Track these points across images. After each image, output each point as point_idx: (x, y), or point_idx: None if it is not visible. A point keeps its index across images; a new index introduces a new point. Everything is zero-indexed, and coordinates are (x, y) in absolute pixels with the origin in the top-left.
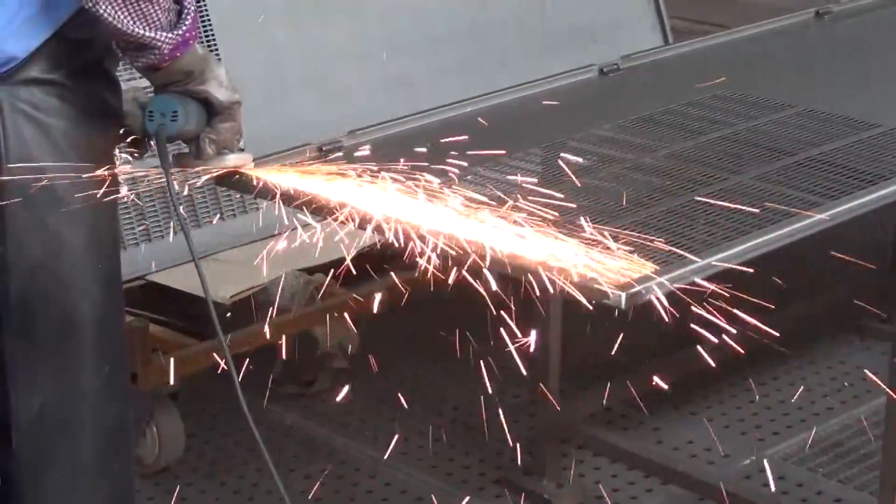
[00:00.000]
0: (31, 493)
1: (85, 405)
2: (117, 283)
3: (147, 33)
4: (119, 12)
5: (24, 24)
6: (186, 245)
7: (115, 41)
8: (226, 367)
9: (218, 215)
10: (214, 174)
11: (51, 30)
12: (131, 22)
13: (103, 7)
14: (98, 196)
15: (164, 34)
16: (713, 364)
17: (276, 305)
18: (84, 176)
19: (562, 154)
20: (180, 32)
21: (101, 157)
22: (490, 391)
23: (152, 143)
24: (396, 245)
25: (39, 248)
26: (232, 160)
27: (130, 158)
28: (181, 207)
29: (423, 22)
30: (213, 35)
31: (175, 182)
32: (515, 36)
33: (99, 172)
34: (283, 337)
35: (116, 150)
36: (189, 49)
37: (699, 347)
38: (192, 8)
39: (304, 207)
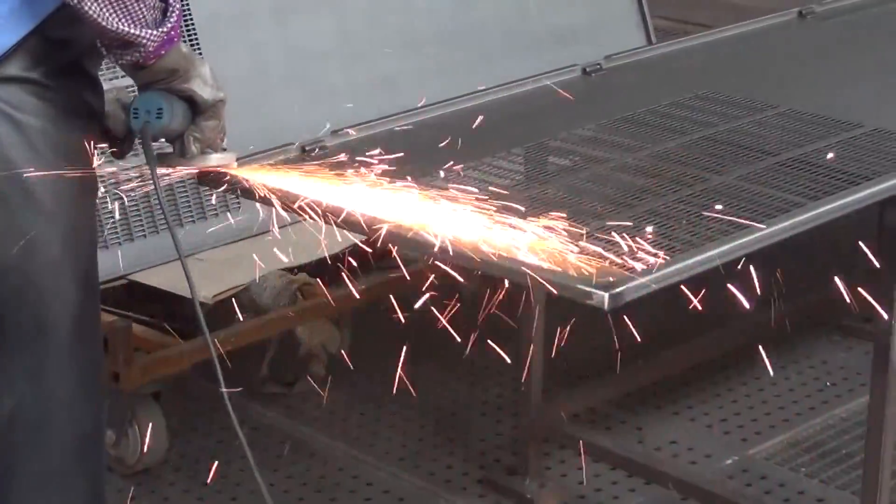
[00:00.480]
0: (3, 495)
1: (58, 406)
2: (94, 283)
3: (132, 30)
4: (104, 9)
5: (1, 20)
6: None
7: (99, 39)
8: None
9: (199, 215)
10: (196, 172)
11: (29, 27)
12: (116, 19)
13: (88, 4)
14: (75, 196)
15: (149, 31)
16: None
17: (258, 305)
18: (55, 173)
19: (545, 154)
20: (165, 30)
21: (79, 157)
22: (473, 391)
23: (136, 142)
24: (379, 244)
25: (14, 248)
26: (215, 159)
27: (112, 158)
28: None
29: (406, 22)
30: (195, 34)
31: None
32: (499, 36)
33: (77, 172)
34: (266, 337)
35: (97, 151)
36: (174, 47)
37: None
38: (178, 6)
39: (286, 207)
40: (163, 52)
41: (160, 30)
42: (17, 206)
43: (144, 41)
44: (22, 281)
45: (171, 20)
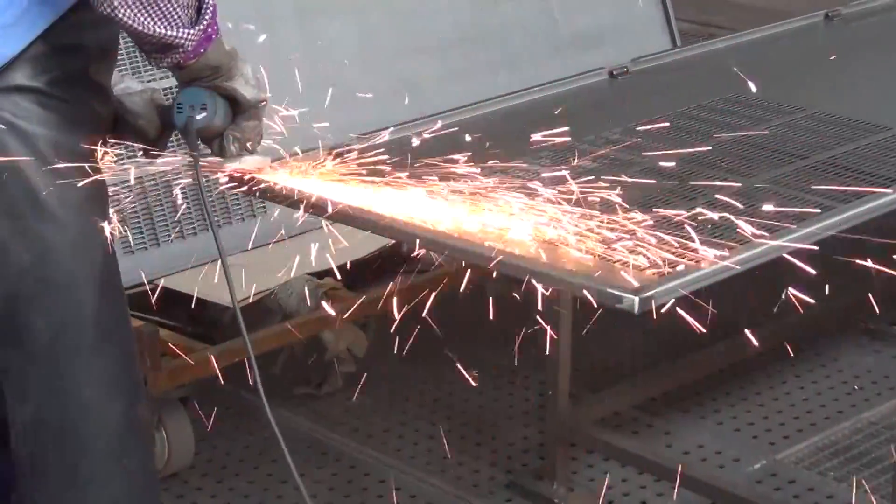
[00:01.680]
0: (29, 496)
1: (81, 409)
2: (111, 286)
3: (169, 32)
4: (139, 14)
5: (3, 30)
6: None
7: (137, 45)
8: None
9: (225, 218)
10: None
11: (33, 36)
12: (152, 22)
13: (122, 11)
14: (83, 203)
15: (186, 31)
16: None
17: (285, 310)
18: (62, 181)
19: (571, 157)
20: (202, 28)
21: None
22: (499, 395)
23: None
24: (407, 249)
25: (26, 255)
26: (251, 162)
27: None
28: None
29: (431, 25)
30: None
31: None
32: (524, 39)
33: (105, 175)
34: (292, 341)
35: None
36: (213, 44)
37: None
38: (212, 2)
39: (315, 211)
40: (202, 50)
41: (197, 28)
42: (26, 213)
43: (183, 41)
44: (35, 287)
45: (207, 17)
